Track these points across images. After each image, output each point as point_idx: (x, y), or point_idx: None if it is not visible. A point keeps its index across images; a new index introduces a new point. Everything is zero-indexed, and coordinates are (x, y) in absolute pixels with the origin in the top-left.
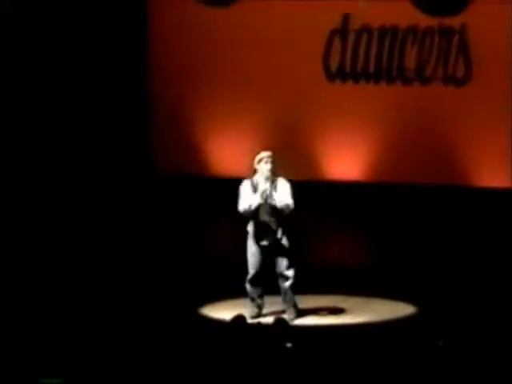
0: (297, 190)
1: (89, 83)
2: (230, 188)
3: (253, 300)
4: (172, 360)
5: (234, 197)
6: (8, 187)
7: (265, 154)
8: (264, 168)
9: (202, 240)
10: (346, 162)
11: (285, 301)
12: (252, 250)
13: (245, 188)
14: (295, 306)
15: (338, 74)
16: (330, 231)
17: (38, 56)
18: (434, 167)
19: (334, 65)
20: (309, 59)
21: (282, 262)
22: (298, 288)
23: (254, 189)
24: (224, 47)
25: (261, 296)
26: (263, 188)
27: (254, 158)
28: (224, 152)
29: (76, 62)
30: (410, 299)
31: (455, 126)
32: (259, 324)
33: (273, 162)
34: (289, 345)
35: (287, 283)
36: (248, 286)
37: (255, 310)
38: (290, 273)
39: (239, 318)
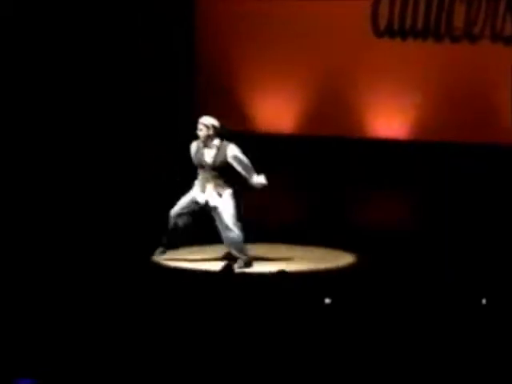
0: (342, 147)
1: (137, 41)
2: (274, 144)
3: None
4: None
5: (278, 153)
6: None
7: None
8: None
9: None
10: (391, 120)
11: (230, 250)
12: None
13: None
14: (243, 255)
15: (386, 32)
16: (373, 190)
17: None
18: (480, 126)
19: (382, 22)
20: (357, 16)
21: (224, 222)
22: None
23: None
24: (271, 4)
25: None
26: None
27: (298, 115)
28: (270, 109)
29: (125, 18)
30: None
31: (503, 84)
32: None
33: (206, 129)
34: (327, 301)
35: (230, 236)
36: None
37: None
38: (233, 231)
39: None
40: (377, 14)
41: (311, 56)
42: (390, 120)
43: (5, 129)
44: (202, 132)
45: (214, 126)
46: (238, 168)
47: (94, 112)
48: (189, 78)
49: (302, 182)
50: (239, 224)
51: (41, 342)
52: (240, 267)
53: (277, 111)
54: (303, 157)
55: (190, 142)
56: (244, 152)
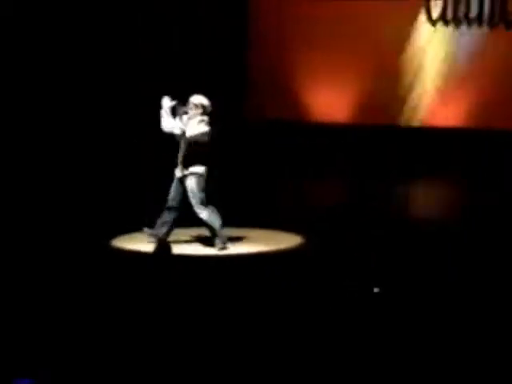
0: (397, 135)
1: (192, 30)
2: (326, 133)
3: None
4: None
5: (331, 142)
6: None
7: None
8: None
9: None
10: (445, 107)
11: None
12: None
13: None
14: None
15: (440, 20)
16: (425, 178)
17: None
18: None
19: (435, 10)
20: (410, 5)
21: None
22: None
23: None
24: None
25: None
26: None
27: (351, 104)
28: (323, 99)
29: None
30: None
31: None
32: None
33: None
34: (376, 290)
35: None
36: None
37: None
38: (200, 211)
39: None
40: (430, 2)
41: (365, 45)
42: (443, 107)
43: (5, 128)
44: (191, 111)
45: (203, 106)
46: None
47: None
48: (242, 68)
49: (354, 169)
50: (209, 206)
51: (37, 341)
52: (220, 248)
53: (330, 101)
54: (356, 146)
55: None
56: (298, 142)
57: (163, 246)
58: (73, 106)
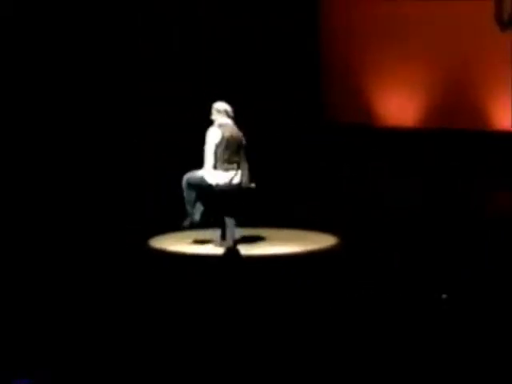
0: (465, 139)
1: (264, 35)
2: (395, 138)
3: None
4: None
5: (398, 146)
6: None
7: None
8: None
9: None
10: None
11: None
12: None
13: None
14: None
15: (511, 23)
16: (497, 182)
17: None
18: None
19: (506, 14)
20: (480, 9)
21: None
22: None
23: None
24: (395, 3)
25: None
26: None
27: (421, 109)
28: (391, 103)
29: (254, 13)
30: None
31: None
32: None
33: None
34: (444, 296)
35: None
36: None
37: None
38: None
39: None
40: (500, 6)
41: (434, 50)
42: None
43: (5, 128)
44: (213, 116)
45: (226, 111)
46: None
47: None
48: (313, 73)
49: (425, 173)
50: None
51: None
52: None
53: (400, 105)
54: (428, 150)
55: (317, 139)
56: (368, 146)
57: (233, 251)
58: (73, 105)
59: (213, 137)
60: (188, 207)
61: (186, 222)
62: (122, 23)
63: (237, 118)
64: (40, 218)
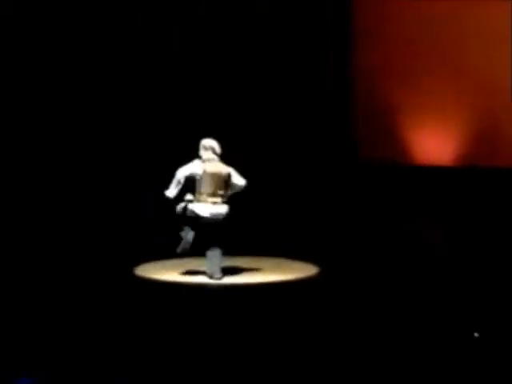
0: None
1: (297, 69)
2: (431, 176)
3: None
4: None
5: (435, 185)
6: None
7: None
8: None
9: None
10: None
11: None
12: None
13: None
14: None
15: None
16: None
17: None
18: None
19: None
20: None
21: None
22: None
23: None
24: (428, 36)
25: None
26: None
27: (457, 146)
28: (425, 140)
29: (278, 43)
30: None
31: None
32: None
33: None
34: (476, 335)
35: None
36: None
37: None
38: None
39: None
40: None
41: (470, 86)
42: None
43: (5, 128)
44: (200, 152)
45: (212, 148)
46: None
47: None
48: (344, 109)
49: (463, 212)
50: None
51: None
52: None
53: (435, 143)
54: (464, 188)
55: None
56: (402, 184)
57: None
58: (73, 105)
59: (191, 166)
60: (181, 233)
61: (179, 249)
62: (122, 23)
63: (265, 150)
64: (36, 220)
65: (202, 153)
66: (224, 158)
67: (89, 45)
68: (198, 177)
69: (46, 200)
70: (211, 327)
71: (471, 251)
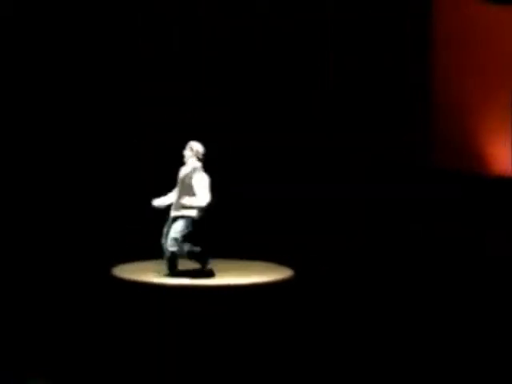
0: None
1: (377, 74)
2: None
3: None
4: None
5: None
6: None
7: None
8: None
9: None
10: None
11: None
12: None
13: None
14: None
15: None
16: None
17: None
18: None
19: None
20: None
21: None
22: None
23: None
24: (508, 44)
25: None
26: None
27: None
28: (506, 151)
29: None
30: None
31: None
32: None
33: (191, 152)
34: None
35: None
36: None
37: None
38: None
39: None
40: None
41: None
42: None
43: (5, 128)
44: (187, 152)
45: (197, 151)
46: (195, 188)
47: None
48: (424, 121)
49: None
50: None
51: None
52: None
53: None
54: None
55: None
56: (479, 194)
57: None
58: (73, 105)
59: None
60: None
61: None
62: (122, 23)
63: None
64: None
65: (189, 154)
66: (224, 157)
67: (89, 45)
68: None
69: (46, 200)
70: (197, 328)
71: None
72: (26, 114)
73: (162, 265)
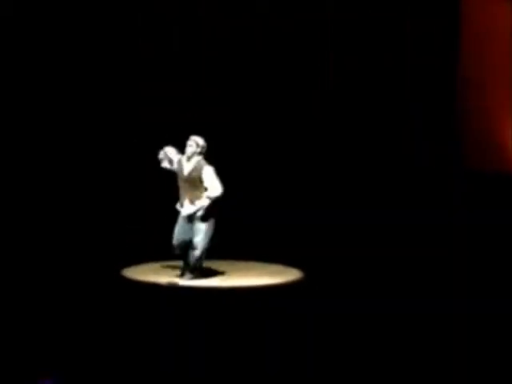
0: None
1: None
2: None
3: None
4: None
5: None
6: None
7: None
8: None
9: None
10: None
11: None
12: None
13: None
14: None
15: None
16: None
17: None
18: None
19: None
20: None
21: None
22: None
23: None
24: None
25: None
26: None
27: None
28: None
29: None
30: None
31: None
32: None
33: (196, 146)
34: None
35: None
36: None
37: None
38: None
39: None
40: None
41: None
42: None
43: (4, 128)
44: (191, 148)
45: (202, 146)
46: (206, 181)
47: None
48: (450, 122)
49: None
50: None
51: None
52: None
53: None
54: None
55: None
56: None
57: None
58: (73, 105)
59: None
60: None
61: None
62: (122, 23)
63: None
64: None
65: (193, 145)
66: (224, 158)
67: (89, 45)
68: None
69: (46, 200)
70: (209, 329)
71: None
72: (26, 114)
73: (171, 265)
